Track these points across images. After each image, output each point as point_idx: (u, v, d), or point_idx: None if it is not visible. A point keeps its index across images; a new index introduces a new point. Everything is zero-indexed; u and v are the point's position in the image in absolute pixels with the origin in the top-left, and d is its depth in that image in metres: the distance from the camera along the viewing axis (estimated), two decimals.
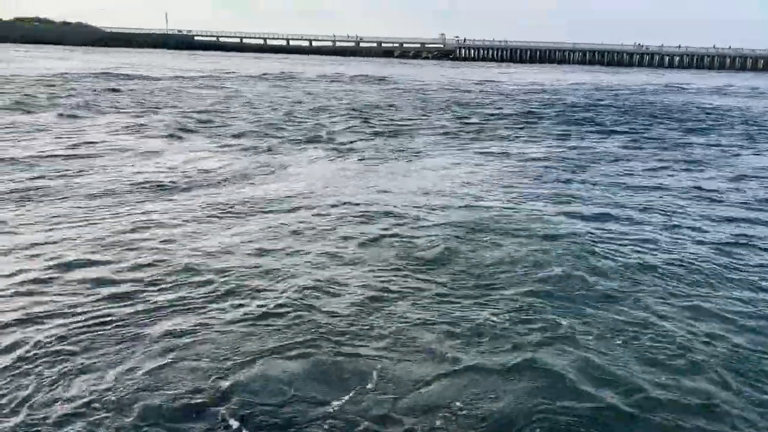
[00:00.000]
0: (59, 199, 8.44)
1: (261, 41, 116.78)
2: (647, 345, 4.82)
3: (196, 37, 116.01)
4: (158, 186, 9.42)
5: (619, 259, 6.66)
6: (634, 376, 4.36)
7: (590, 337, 4.86)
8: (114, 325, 4.85)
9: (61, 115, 17.42)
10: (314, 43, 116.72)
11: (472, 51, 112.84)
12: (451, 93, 33.32)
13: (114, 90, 26.13)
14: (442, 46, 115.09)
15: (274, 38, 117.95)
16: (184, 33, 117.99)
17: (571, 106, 27.12)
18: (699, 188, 10.70)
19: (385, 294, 5.57)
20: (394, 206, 8.60)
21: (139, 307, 5.10)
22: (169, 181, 9.74)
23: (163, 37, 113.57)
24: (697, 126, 21.05)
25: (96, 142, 13.21)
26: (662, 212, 8.85)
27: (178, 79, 35.68)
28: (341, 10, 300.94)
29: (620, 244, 7.18)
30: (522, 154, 13.86)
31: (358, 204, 8.72)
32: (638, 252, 6.95)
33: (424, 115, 21.62)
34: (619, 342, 4.84)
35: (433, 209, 8.48)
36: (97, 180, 9.70)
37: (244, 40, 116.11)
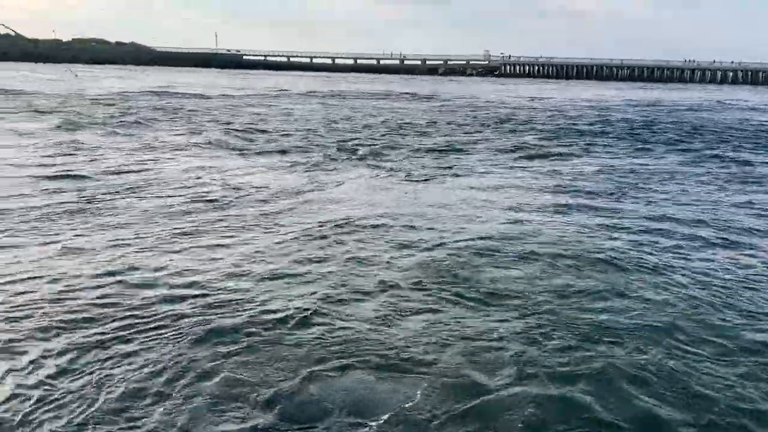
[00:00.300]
0: (116, 214, 8.64)
1: (307, 60, 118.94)
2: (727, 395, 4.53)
3: (244, 57, 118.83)
4: (210, 201, 9.57)
5: (677, 287, 6.37)
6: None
7: (654, 381, 4.57)
8: (164, 338, 4.87)
9: (118, 132, 18.01)
10: (359, 62, 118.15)
11: (517, 67, 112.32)
12: (500, 110, 33.17)
13: (170, 108, 26.93)
14: (486, 62, 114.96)
15: (319, 57, 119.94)
16: (233, 52, 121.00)
17: (624, 123, 26.63)
18: (763, 209, 10.31)
19: (431, 316, 5.48)
20: (442, 224, 8.55)
21: (186, 313, 5.14)
22: (222, 197, 9.90)
23: (212, 57, 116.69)
24: (756, 143, 20.38)
25: (154, 159, 13.58)
26: (726, 233, 8.54)
27: (230, 97, 36.55)
28: (383, 29, 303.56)
29: (681, 273, 6.87)
30: (575, 172, 13.63)
31: (400, 220, 8.72)
32: (703, 278, 6.69)
33: (473, 132, 21.54)
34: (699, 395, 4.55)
35: (482, 230, 8.35)
36: (153, 195, 9.94)
37: (291, 59, 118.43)
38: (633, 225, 8.80)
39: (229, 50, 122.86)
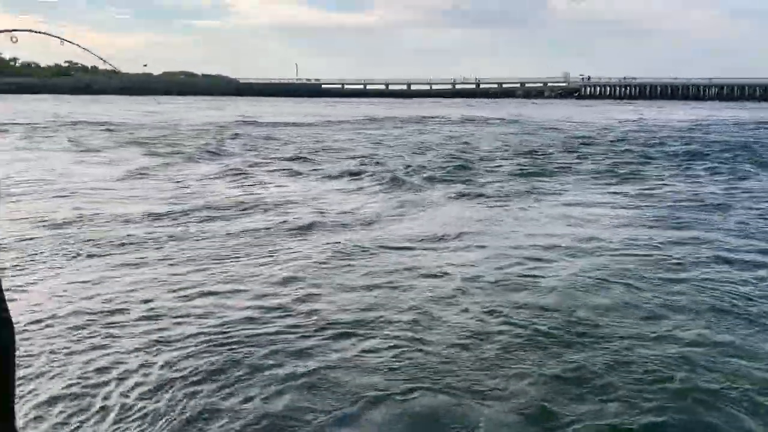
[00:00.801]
0: (206, 239, 8.82)
1: (383, 86, 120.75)
2: None
3: (323, 85, 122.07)
4: (305, 226, 9.64)
5: None
6: None
7: None
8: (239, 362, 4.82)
9: (217, 161, 18.70)
10: (434, 87, 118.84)
11: (598, 88, 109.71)
12: (587, 132, 32.31)
13: (266, 136, 27.88)
14: (566, 84, 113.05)
15: (395, 83, 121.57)
16: (312, 81, 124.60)
17: (725, 144, 25.26)
18: None
19: (507, 344, 5.22)
20: (532, 248, 8.27)
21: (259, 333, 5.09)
22: (317, 222, 9.97)
23: (293, 86, 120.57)
24: None
25: (253, 185, 13.96)
26: None
27: (315, 125, 37.44)
28: (457, 52, 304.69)
29: None
30: (677, 196, 12.90)
31: (487, 243, 8.52)
32: None
33: (563, 154, 21.01)
34: None
35: (575, 255, 7.95)
36: (251, 220, 10.11)
37: (368, 86, 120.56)
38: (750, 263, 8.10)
39: (308, 79, 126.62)
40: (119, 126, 33.54)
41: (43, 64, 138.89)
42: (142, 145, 23.41)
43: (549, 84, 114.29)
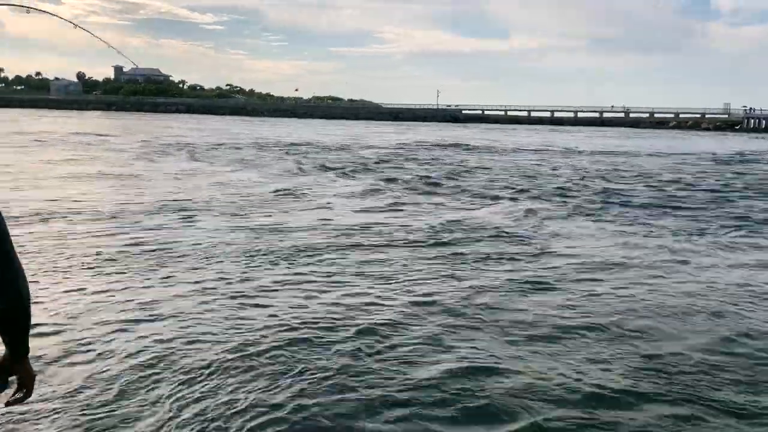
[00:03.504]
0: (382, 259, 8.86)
1: (525, 113, 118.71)
2: None
3: (462, 111, 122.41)
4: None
5: None
6: None
7: None
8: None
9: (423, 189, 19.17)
10: (579, 114, 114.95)
11: (764, 121, 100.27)
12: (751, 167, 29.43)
13: (442, 161, 28.33)
14: (726, 116, 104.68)
15: (537, 110, 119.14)
16: (452, 107, 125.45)
17: None
18: None
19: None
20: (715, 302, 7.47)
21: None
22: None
23: (432, 111, 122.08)
24: None
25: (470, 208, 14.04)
26: None
27: (476, 149, 37.42)
28: (604, 80, 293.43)
29: None
30: None
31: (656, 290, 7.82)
32: None
33: (723, 191, 19.18)
34: None
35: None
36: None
37: (509, 112, 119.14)
38: None
39: (449, 105, 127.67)
40: (319, 146, 35.61)
41: (206, 87, 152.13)
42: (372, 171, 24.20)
43: (707, 115, 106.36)
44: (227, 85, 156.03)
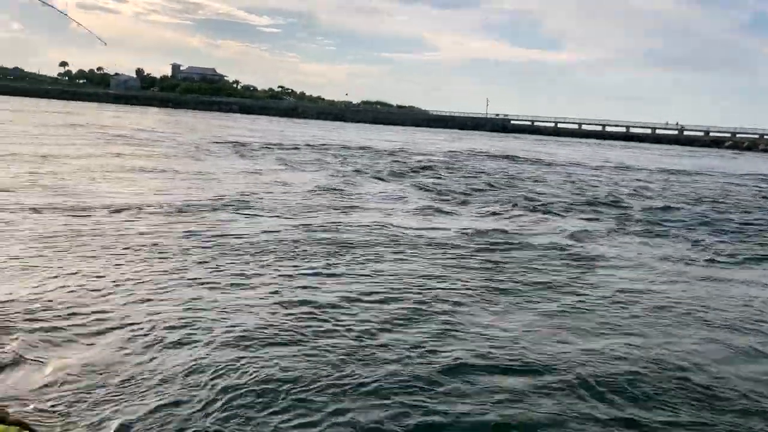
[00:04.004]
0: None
1: (575, 126, 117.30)
2: None
3: (512, 121, 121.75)
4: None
5: None
6: None
7: None
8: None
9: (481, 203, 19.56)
10: (631, 130, 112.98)
11: None
12: None
13: (513, 174, 28.63)
14: None
15: (588, 123, 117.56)
16: (501, 117, 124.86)
17: None
18: None
19: None
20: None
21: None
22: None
23: (480, 120, 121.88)
24: None
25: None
26: None
27: (535, 162, 37.47)
28: (657, 96, 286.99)
29: None
30: None
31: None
32: None
33: None
34: None
35: None
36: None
37: (559, 125, 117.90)
38: None
39: (497, 114, 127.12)
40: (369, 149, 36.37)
41: (260, 88, 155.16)
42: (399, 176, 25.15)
43: (765, 136, 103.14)
44: (279, 86, 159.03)
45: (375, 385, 5.27)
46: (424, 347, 6.20)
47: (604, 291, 8.90)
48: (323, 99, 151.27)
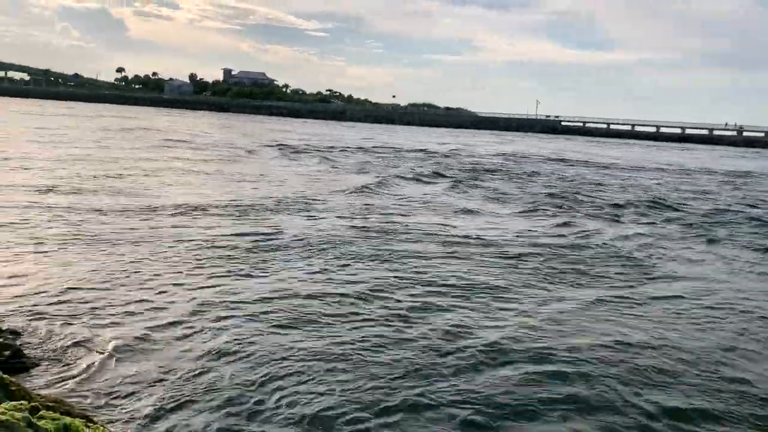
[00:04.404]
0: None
1: (628, 127, 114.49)
2: None
3: (562, 122, 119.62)
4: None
5: None
6: None
7: None
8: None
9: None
10: (687, 131, 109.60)
11: None
12: None
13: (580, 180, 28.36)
14: None
15: (642, 125, 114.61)
16: (552, 118, 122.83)
17: None
18: None
19: None
20: None
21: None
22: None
23: (529, 121, 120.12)
24: None
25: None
26: None
27: (569, 164, 36.88)
28: (712, 96, 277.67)
29: None
30: None
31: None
32: None
33: None
34: None
35: None
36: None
37: (611, 126, 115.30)
38: None
39: (548, 116, 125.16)
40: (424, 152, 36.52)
41: (308, 92, 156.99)
42: (441, 176, 25.16)
43: None
44: (327, 90, 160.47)
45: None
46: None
47: (663, 299, 8.80)
48: (370, 102, 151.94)
